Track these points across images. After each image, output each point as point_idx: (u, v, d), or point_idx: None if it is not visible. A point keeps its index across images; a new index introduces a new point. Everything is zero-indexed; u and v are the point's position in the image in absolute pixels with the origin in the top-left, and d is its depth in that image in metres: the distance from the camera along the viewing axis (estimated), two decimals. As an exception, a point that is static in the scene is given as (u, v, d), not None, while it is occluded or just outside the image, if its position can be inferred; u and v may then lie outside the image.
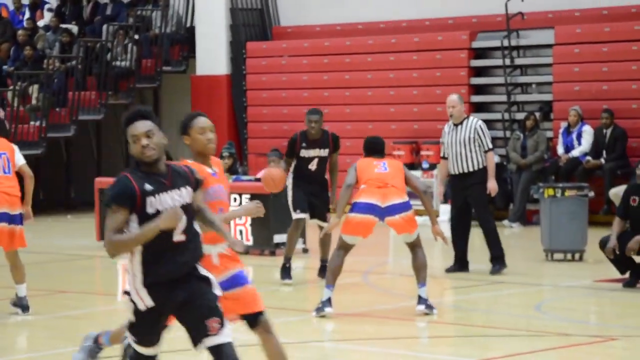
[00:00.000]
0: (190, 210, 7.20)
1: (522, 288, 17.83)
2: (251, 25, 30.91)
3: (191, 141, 9.01)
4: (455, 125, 17.82)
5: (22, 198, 15.57)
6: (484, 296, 17.47)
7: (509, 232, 24.70)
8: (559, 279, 18.37)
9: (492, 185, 18.08)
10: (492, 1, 27.20)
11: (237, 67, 30.39)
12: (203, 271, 7.48)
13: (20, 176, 15.61)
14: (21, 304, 15.31)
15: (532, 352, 12.64)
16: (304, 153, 17.43)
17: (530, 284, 18.17)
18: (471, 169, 17.91)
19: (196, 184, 7.39)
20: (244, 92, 30.20)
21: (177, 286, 7.29)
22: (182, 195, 7.14)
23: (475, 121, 18.15)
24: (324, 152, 17.47)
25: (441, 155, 18.63)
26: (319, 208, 19.23)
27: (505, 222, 25.28)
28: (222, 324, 7.27)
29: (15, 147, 15.79)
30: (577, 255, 19.48)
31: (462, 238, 18.30)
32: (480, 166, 17.87)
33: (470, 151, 17.72)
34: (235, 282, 8.93)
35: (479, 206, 18.46)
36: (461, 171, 18.02)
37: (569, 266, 19.22)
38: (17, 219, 15.20)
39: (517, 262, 19.76)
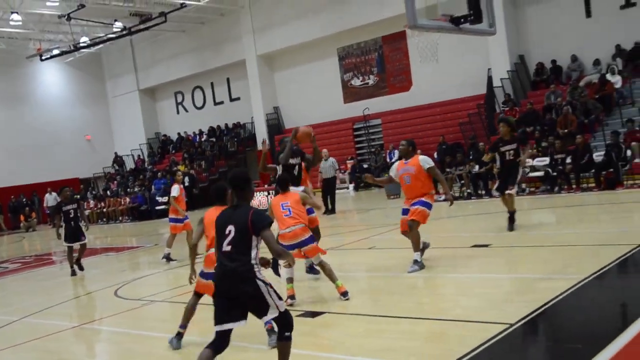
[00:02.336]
0: None
1: (379, 211, 16.87)
2: (275, 129, 30.25)
3: None
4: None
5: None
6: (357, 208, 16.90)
7: (374, 191, 23.47)
8: (394, 205, 17.36)
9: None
10: (358, 111, 27.05)
11: (272, 145, 29.10)
12: None
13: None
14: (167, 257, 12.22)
15: (383, 228, 12.18)
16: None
17: (381, 208, 17.24)
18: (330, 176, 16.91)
19: None
20: (277, 155, 29.83)
21: None
22: None
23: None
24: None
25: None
26: None
27: (373, 188, 24.07)
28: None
29: (172, 188, 12.16)
30: (398, 195, 18.26)
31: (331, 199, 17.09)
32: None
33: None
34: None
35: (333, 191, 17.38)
36: (327, 177, 17.08)
37: (397, 200, 17.99)
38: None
39: (378, 200, 19.23)
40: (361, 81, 28.18)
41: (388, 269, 8.81)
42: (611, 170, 15.23)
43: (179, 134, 35.48)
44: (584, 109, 19.02)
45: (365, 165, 26.14)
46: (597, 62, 21.11)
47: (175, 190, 12.27)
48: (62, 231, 12.18)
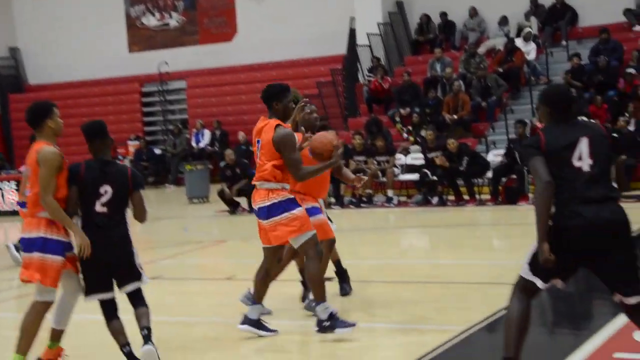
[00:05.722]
0: None
1: (172, 222, 17.23)
2: (10, 83, 29.86)
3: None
4: None
5: None
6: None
7: (169, 190, 24.25)
8: (197, 212, 18.43)
9: None
10: (151, 66, 26.79)
11: (5, 110, 29.23)
12: None
13: None
14: None
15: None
16: None
17: (178, 217, 17.72)
18: None
19: None
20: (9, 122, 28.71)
21: None
22: None
23: None
24: None
25: None
26: None
27: (167, 185, 24.80)
28: None
29: None
30: (204, 199, 19.75)
31: None
32: None
33: None
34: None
35: None
36: None
37: (202, 205, 19.41)
38: None
39: (173, 205, 20.10)
40: (158, 20, 28.34)
41: (183, 313, 8.57)
42: (513, 177, 16.03)
43: None
44: (483, 86, 20.24)
45: (157, 151, 25.96)
46: (504, 21, 22.53)
47: None
48: None
